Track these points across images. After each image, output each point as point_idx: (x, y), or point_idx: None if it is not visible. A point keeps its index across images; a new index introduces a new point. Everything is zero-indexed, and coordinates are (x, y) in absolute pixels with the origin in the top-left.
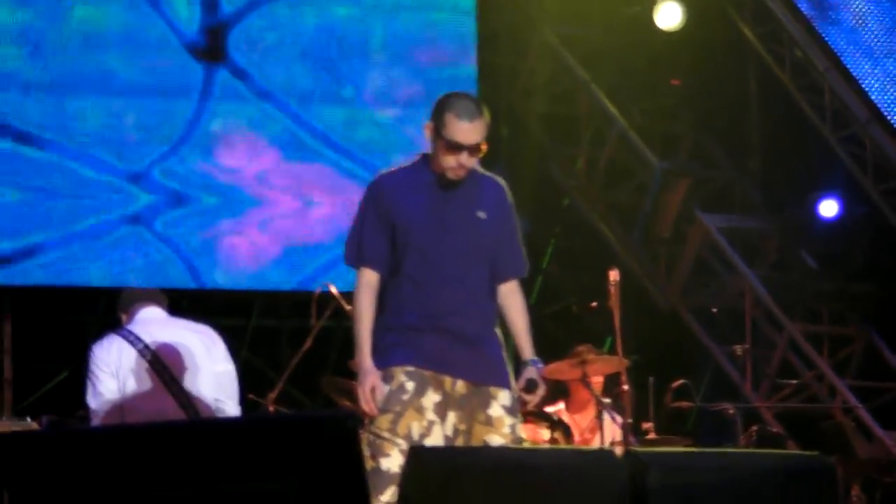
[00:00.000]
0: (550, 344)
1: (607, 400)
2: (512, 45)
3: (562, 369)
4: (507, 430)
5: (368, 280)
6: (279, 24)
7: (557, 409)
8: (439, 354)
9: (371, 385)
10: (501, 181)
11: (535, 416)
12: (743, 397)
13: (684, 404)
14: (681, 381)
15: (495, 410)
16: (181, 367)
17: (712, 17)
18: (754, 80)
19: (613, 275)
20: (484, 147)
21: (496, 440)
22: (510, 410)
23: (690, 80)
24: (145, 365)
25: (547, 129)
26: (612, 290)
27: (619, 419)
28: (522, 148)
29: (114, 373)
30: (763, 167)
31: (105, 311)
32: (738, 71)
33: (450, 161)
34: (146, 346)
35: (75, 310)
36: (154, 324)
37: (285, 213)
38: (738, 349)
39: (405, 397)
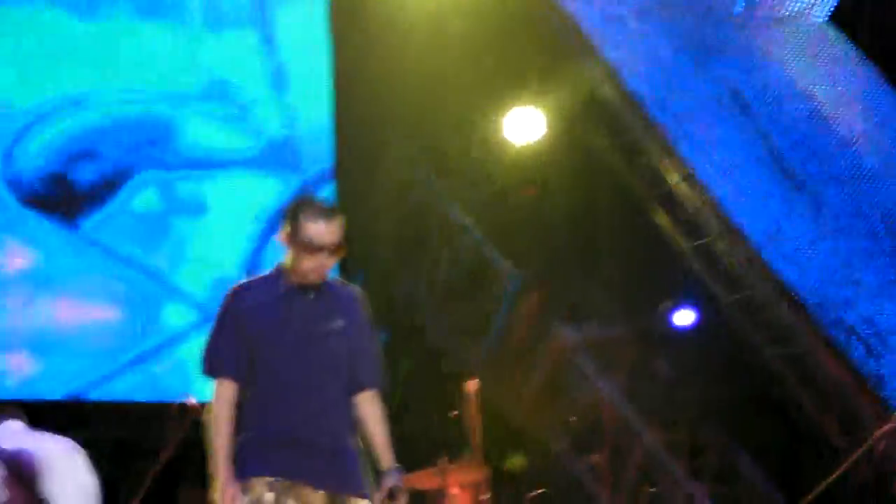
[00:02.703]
0: (410, 455)
1: None
2: (364, 160)
3: (422, 479)
4: None
5: (225, 391)
6: None
7: None
8: (297, 465)
9: (230, 497)
10: (357, 291)
11: None
12: None
13: None
14: (540, 491)
15: None
16: (42, 479)
17: (567, 127)
18: (609, 190)
19: (471, 386)
20: (342, 248)
21: None
22: None
23: (545, 190)
24: (7, 476)
25: (400, 240)
26: (471, 400)
27: None
28: (377, 261)
29: None
30: (619, 276)
31: None
32: (592, 180)
33: (309, 264)
34: (8, 457)
35: None
36: (15, 436)
37: None
38: (597, 458)
39: None
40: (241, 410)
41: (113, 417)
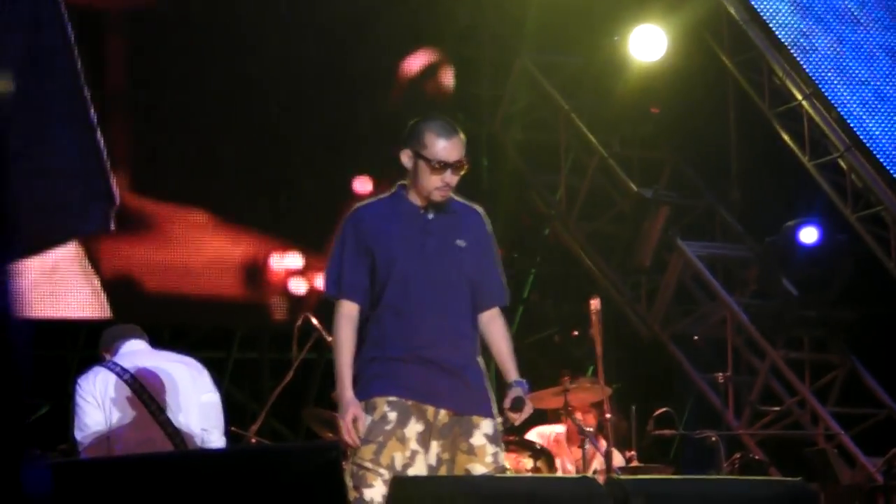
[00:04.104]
0: (532, 373)
1: (590, 429)
2: (491, 74)
3: (544, 398)
4: (489, 458)
5: (349, 311)
6: None
7: (555, 431)
8: (421, 384)
9: (353, 416)
10: (480, 209)
11: (518, 444)
12: (725, 425)
13: (667, 432)
14: (663, 409)
15: (478, 439)
16: (167, 397)
17: (691, 45)
18: (733, 108)
19: (595, 303)
20: (465, 164)
21: (478, 469)
22: (493, 439)
23: (669, 109)
24: (131, 395)
25: (527, 158)
26: (594, 318)
27: (603, 447)
28: (502, 177)
29: (99, 404)
30: (743, 195)
31: (85, 344)
32: (717, 99)
33: (435, 181)
34: (132, 377)
35: (55, 344)
36: (138, 355)
37: None
38: (720, 376)
39: (388, 427)
40: (365, 330)
41: (236, 337)
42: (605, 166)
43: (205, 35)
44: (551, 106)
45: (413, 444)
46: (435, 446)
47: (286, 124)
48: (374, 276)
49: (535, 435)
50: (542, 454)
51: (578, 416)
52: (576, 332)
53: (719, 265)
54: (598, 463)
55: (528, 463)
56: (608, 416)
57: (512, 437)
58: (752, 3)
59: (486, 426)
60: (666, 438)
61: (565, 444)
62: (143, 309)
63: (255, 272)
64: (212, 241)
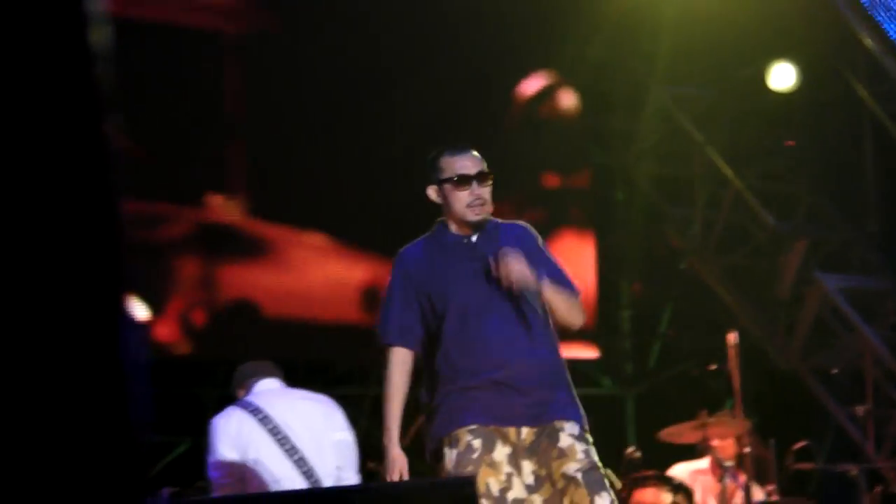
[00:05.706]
0: (670, 407)
1: (730, 463)
2: (625, 108)
3: (682, 432)
4: (580, 455)
5: (401, 358)
6: None
7: (695, 467)
8: (498, 408)
9: (399, 472)
10: (524, 223)
11: (657, 479)
12: (866, 458)
13: (806, 466)
14: (803, 443)
15: (565, 441)
16: (301, 436)
17: (826, 76)
18: (870, 139)
19: (732, 337)
20: (490, 175)
21: (572, 467)
22: (580, 438)
23: (805, 141)
24: (265, 434)
25: (661, 191)
26: (732, 352)
27: (742, 481)
28: (637, 211)
29: (234, 444)
30: (881, 226)
31: (223, 381)
32: (853, 130)
33: (464, 197)
34: (266, 416)
35: (193, 381)
36: (272, 394)
37: None
38: (860, 410)
39: (475, 456)
40: (434, 368)
41: (373, 373)
42: (741, 200)
43: (322, 57)
44: (685, 139)
45: (506, 468)
46: (527, 465)
47: (405, 147)
48: (432, 313)
49: (676, 470)
50: (681, 489)
51: (718, 449)
52: (713, 366)
53: (858, 297)
54: (739, 498)
55: (667, 498)
56: (747, 449)
57: (651, 473)
58: (888, 34)
59: (570, 427)
60: (805, 472)
61: (706, 479)
62: (262, 337)
63: (373, 295)
64: (330, 264)
